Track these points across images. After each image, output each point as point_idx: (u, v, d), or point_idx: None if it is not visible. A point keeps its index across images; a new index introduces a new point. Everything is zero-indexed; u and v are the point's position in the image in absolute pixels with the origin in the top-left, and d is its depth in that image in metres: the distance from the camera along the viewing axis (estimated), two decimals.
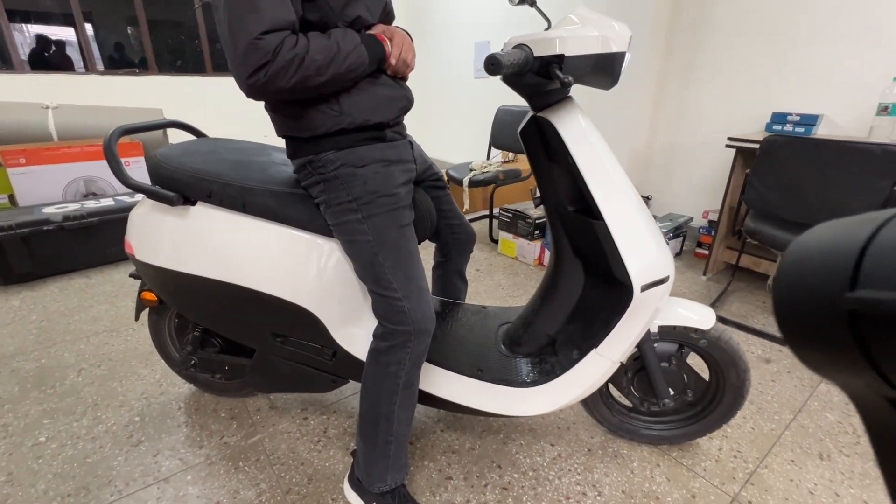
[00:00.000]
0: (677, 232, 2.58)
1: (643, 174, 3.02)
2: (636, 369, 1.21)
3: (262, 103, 0.92)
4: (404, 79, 0.99)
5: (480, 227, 3.15)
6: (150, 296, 1.30)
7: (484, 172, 2.73)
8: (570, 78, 0.83)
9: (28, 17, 4.06)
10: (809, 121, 2.10)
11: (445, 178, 2.75)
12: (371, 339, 1.00)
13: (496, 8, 3.78)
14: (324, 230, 1.04)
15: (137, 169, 2.83)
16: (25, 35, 4.08)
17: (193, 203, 1.08)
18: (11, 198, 2.60)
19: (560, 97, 0.97)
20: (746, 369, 1.14)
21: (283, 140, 0.98)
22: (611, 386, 1.28)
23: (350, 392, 1.52)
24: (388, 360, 0.96)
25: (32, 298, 2.14)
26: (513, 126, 2.81)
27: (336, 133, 0.90)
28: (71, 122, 2.99)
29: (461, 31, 4.18)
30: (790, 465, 1.26)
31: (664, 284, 0.99)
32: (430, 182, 1.26)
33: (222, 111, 4.27)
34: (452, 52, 4.35)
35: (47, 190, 2.62)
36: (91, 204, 2.49)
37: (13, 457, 1.27)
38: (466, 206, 2.83)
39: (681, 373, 1.18)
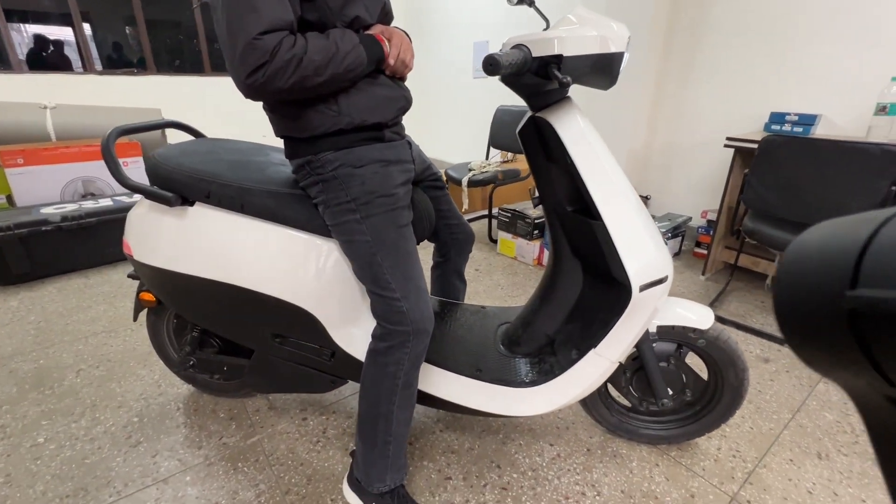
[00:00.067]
0: (676, 232, 2.58)
1: (642, 174, 3.03)
2: (635, 369, 1.21)
3: (261, 103, 0.91)
4: (403, 79, 0.99)
5: (479, 227, 3.14)
6: (148, 296, 1.30)
7: (483, 172, 2.73)
8: (569, 78, 0.83)
9: (26, 17, 4.05)
10: (808, 121, 2.11)
11: (444, 178, 2.73)
12: (370, 339, 1.00)
13: (495, 8, 3.79)
14: (322, 230, 1.04)
15: (136, 169, 2.83)
16: (23, 35, 4.07)
17: (192, 203, 1.08)
18: (9, 198, 2.59)
19: (559, 97, 0.97)
20: (745, 369, 1.14)
21: (282, 140, 0.97)
22: (610, 386, 1.28)
23: (349, 392, 1.52)
24: (386, 361, 0.96)
25: (31, 299, 2.13)
26: (511, 126, 2.81)
27: (334, 133, 0.90)
28: (69, 123, 2.98)
29: (460, 31, 4.18)
30: (789, 464, 1.26)
31: (663, 284, 0.99)
32: (429, 182, 1.26)
33: (221, 111, 4.26)
34: (451, 53, 4.35)
35: (45, 190, 2.61)
36: (89, 204, 2.49)
37: (11, 458, 1.26)
38: (465, 206, 2.83)
39: (679, 372, 1.18)
